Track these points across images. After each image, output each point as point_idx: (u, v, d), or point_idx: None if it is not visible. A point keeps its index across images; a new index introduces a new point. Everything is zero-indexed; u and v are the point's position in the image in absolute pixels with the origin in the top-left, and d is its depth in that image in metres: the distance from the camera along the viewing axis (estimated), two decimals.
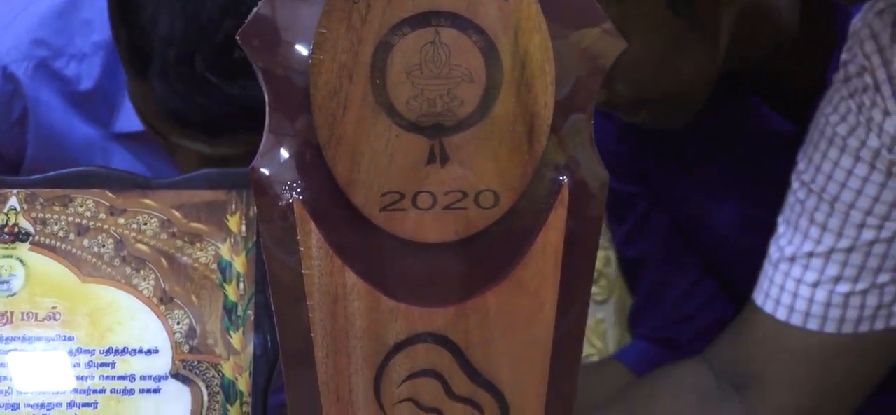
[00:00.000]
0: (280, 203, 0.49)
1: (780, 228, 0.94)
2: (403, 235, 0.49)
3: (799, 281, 0.92)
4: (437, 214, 0.49)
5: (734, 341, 0.97)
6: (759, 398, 0.94)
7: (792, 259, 0.92)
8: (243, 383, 0.63)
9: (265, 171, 0.49)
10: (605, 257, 1.38)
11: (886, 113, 0.87)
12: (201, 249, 0.65)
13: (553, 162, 0.49)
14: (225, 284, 0.65)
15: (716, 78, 0.95)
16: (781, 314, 0.93)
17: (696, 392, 0.96)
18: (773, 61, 0.99)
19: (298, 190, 0.49)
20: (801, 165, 0.93)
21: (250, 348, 0.64)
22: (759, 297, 0.95)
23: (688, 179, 1.12)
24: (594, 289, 1.40)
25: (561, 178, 0.49)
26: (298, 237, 0.49)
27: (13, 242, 0.66)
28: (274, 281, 0.51)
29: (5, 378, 0.63)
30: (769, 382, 0.94)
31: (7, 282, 0.65)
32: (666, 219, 1.17)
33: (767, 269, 0.95)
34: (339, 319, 0.50)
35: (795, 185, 0.93)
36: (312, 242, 0.49)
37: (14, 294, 0.65)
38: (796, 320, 0.92)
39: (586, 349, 1.38)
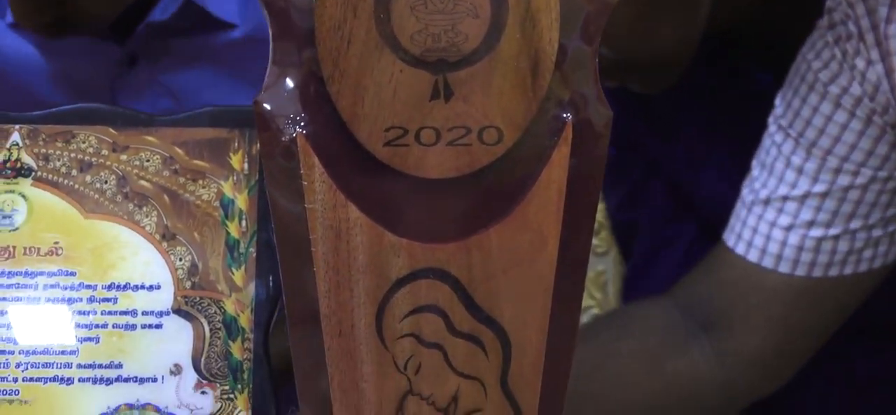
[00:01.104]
0: (283, 137, 0.49)
1: (755, 171, 0.95)
2: (406, 171, 0.49)
3: (772, 224, 0.92)
4: (441, 150, 0.49)
5: (703, 281, 0.97)
6: (727, 337, 0.95)
7: (766, 202, 0.93)
8: (245, 320, 0.63)
9: (268, 104, 0.49)
10: (605, 209, 1.38)
11: (869, 62, 0.87)
12: (204, 187, 0.65)
13: (557, 98, 0.49)
14: (227, 222, 0.65)
15: (698, 39, 0.95)
16: (753, 256, 0.93)
17: (664, 331, 0.96)
18: (759, 19, 0.99)
19: (302, 124, 0.49)
20: (778, 110, 0.93)
21: (252, 286, 0.64)
22: (730, 238, 0.95)
23: (679, 144, 1.12)
24: (595, 241, 1.40)
25: (565, 115, 0.49)
26: (301, 171, 0.49)
27: (15, 177, 0.66)
28: (276, 216, 0.51)
29: (6, 313, 0.63)
30: (737, 321, 0.95)
31: (9, 217, 0.65)
32: (660, 186, 1.17)
33: (740, 211, 0.95)
34: (341, 253, 0.50)
35: (772, 128, 0.94)
36: (315, 176, 0.49)
37: (16, 229, 0.65)
38: (768, 262, 0.93)
39: (586, 301, 1.38)
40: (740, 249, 0.94)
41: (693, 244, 1.18)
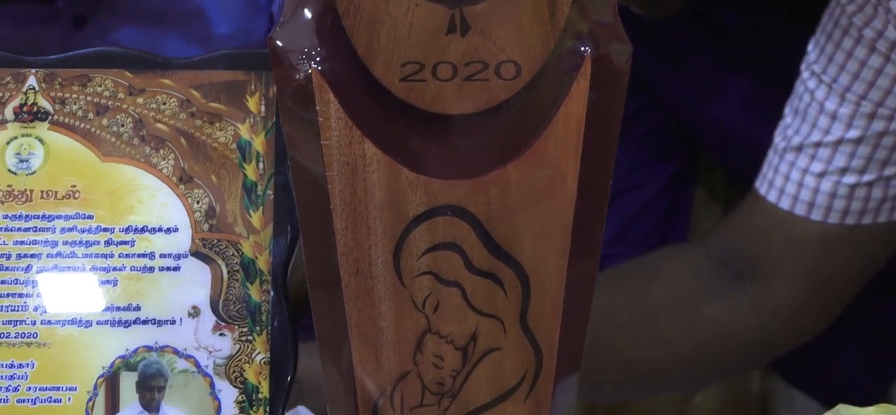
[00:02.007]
0: (298, 74, 0.49)
1: (787, 118, 0.93)
2: (423, 107, 0.49)
3: (805, 171, 0.91)
4: (458, 85, 0.48)
5: (735, 229, 0.96)
6: (760, 286, 0.94)
7: (798, 149, 0.91)
8: (263, 262, 0.63)
9: (283, 40, 0.49)
10: None
11: None
12: (220, 129, 0.65)
13: (576, 31, 0.48)
14: (244, 164, 0.64)
15: None
16: (785, 204, 0.92)
17: (698, 278, 0.96)
18: None
19: (317, 59, 0.48)
20: (812, 55, 0.92)
21: (270, 228, 0.63)
22: (762, 186, 0.94)
23: (685, 75, 1.11)
24: None
25: (583, 48, 0.49)
26: (317, 107, 0.48)
27: (32, 121, 0.65)
28: (292, 153, 0.50)
29: (24, 256, 0.63)
30: (770, 270, 0.94)
31: (26, 160, 0.65)
32: (647, 124, 1.16)
33: (772, 158, 0.94)
34: (358, 190, 0.50)
35: (805, 74, 0.92)
36: (331, 112, 0.49)
37: (33, 173, 0.65)
38: (800, 210, 0.91)
39: None
40: (772, 197, 0.93)
41: (663, 191, 1.17)
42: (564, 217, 0.50)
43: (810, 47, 0.92)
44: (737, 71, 1.08)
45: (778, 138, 0.94)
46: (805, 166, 0.91)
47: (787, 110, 0.94)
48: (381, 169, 0.49)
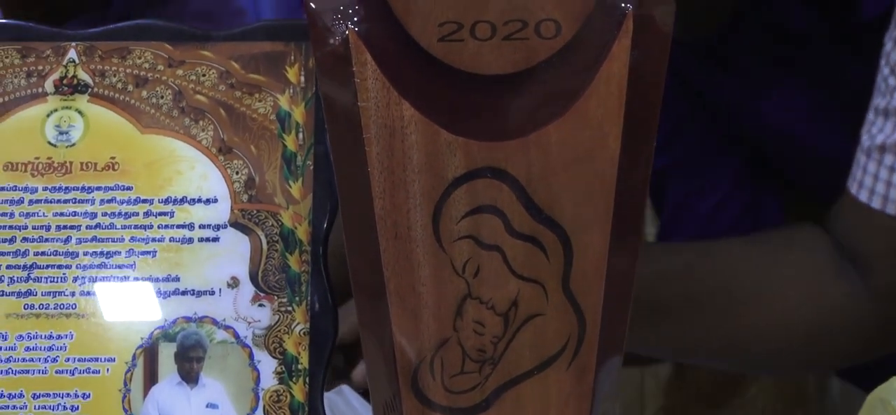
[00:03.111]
0: (334, 35, 0.48)
1: (870, 115, 0.91)
2: (462, 67, 0.48)
3: (892, 169, 0.89)
4: (497, 45, 0.47)
5: (838, 223, 0.94)
6: (870, 276, 0.92)
7: (882, 148, 0.89)
8: (303, 233, 0.62)
9: (319, 2, 0.48)
10: None
11: None
12: (260, 100, 0.64)
13: None
14: (284, 135, 0.64)
15: None
16: (876, 203, 0.90)
17: (822, 256, 0.94)
18: None
19: (354, 20, 0.48)
20: (889, 46, 0.90)
21: (310, 198, 0.63)
22: (852, 185, 0.92)
23: (735, 73, 1.09)
24: None
25: (625, 5, 0.47)
26: (353, 68, 0.48)
27: (72, 94, 0.65)
28: (329, 116, 0.50)
29: (64, 227, 0.63)
30: (870, 262, 0.92)
31: (66, 133, 0.64)
32: (701, 123, 1.14)
33: (859, 157, 0.92)
34: (396, 153, 0.49)
35: (885, 71, 0.90)
36: (368, 73, 0.48)
37: (73, 145, 0.64)
38: (892, 209, 0.89)
39: None
40: (863, 197, 0.91)
41: (733, 190, 1.15)
42: (607, 179, 0.49)
43: (886, 39, 0.90)
44: (792, 71, 1.06)
45: (864, 137, 0.92)
46: (891, 164, 0.89)
47: (870, 107, 0.92)
48: (419, 131, 0.48)
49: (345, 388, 0.77)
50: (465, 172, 0.49)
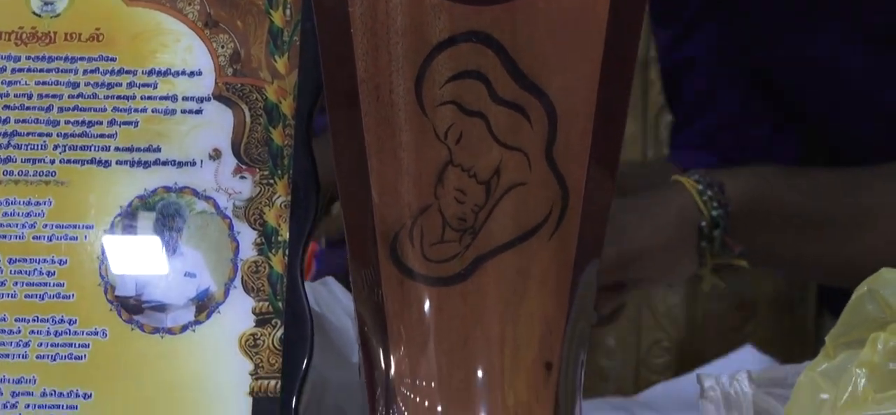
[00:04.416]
0: None
1: None
2: None
3: None
4: None
5: None
6: None
7: None
8: (287, 107, 0.61)
9: None
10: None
11: None
12: None
13: None
14: (271, 10, 0.62)
15: None
16: None
17: None
18: None
19: None
20: None
21: (295, 74, 0.62)
22: None
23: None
24: None
25: None
26: None
27: None
28: None
29: (46, 96, 0.62)
30: None
31: (51, 3, 0.63)
32: (714, 25, 1.12)
33: None
34: (379, 14, 0.48)
35: None
36: None
37: (58, 15, 0.63)
38: None
39: None
40: None
41: (748, 96, 1.13)
42: (594, 45, 0.48)
43: None
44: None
45: None
46: None
47: None
48: None
49: (329, 279, 0.76)
50: (450, 36, 0.48)
